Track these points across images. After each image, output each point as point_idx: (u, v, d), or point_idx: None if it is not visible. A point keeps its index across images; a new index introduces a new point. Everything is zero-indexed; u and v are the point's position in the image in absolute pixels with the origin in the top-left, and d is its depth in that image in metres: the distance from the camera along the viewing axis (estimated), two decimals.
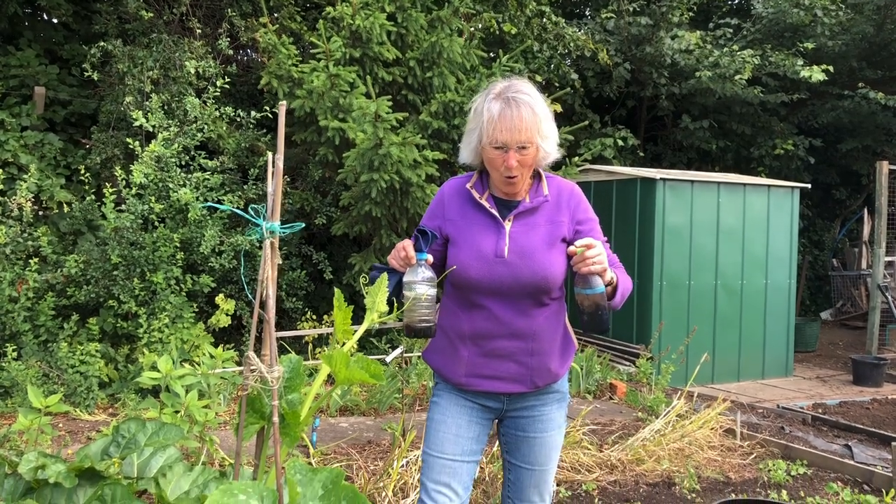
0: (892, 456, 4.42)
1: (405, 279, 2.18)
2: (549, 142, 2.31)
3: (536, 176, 2.41)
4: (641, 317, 7.50)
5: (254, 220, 1.29)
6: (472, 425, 2.41)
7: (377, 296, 1.48)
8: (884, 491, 4.29)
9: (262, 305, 1.33)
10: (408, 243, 2.18)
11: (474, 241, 2.32)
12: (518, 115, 2.22)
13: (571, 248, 2.15)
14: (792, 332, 8.17)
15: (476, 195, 2.37)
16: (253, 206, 1.29)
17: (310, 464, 4.51)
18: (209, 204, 1.30)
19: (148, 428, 3.14)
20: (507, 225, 2.33)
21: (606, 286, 2.20)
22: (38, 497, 2.59)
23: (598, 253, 2.12)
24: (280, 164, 1.28)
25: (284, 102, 1.38)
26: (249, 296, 1.33)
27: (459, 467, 2.38)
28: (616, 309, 2.31)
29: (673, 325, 7.34)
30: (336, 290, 1.43)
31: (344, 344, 1.36)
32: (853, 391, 7.27)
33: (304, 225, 1.44)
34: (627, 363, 7.34)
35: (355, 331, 1.45)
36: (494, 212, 2.34)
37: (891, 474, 4.40)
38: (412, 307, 2.15)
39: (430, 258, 2.21)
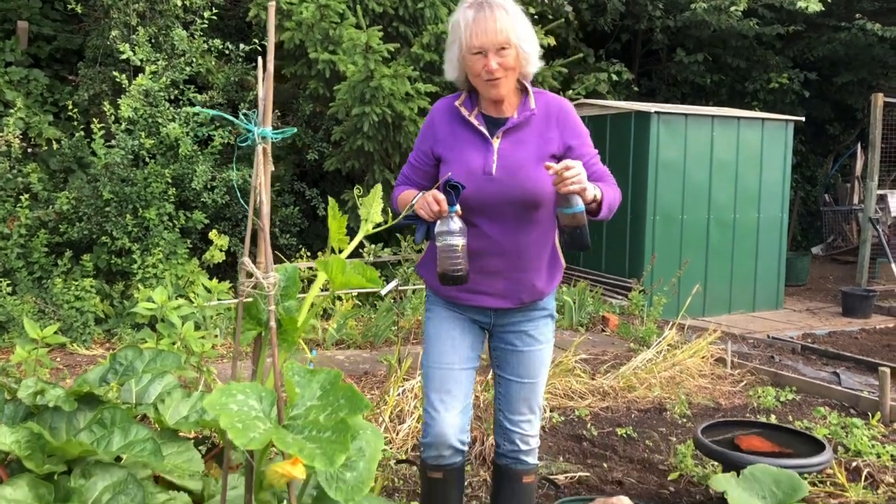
0: (878, 381, 4.50)
1: (437, 230, 2.26)
2: (527, 43, 2.31)
3: (524, 91, 2.41)
4: (634, 251, 7.53)
5: (245, 125, 1.28)
6: (465, 335, 2.50)
7: (371, 206, 1.47)
8: (870, 414, 4.38)
9: (256, 213, 1.32)
10: (442, 197, 2.22)
11: (463, 158, 2.35)
12: (492, 17, 2.24)
13: (549, 166, 2.17)
14: (783, 266, 8.22)
15: (465, 112, 2.38)
16: (244, 111, 1.27)
17: None
18: (204, 110, 1.27)
19: (145, 355, 3.17)
20: (496, 142, 2.35)
21: (591, 203, 2.24)
22: (38, 421, 2.62)
23: (576, 173, 2.13)
24: (270, 67, 1.26)
25: (273, 2, 1.35)
26: (243, 204, 1.32)
27: (459, 374, 2.48)
28: (606, 220, 2.36)
29: (665, 259, 7.38)
30: (330, 199, 1.42)
31: (340, 252, 1.36)
32: (842, 322, 7.36)
33: (296, 130, 1.43)
34: (620, 297, 7.40)
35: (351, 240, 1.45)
36: (483, 129, 2.36)
37: (877, 398, 4.49)
38: (447, 257, 2.25)
39: (460, 210, 2.26)
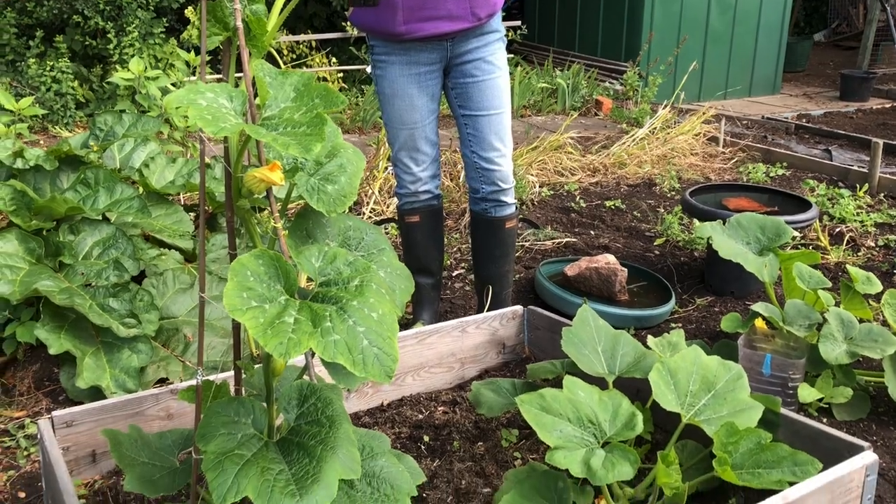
0: (869, 157, 4.49)
1: None
2: None
3: None
4: (631, 33, 7.24)
5: None
6: (422, 91, 2.43)
7: None
8: (857, 186, 4.40)
9: None
10: None
11: None
12: None
13: None
14: (783, 50, 7.97)
15: None
16: None
17: None
18: None
19: (125, 120, 3.09)
20: None
21: None
22: (20, 180, 2.59)
23: None
24: None
25: None
26: None
27: (423, 129, 2.47)
28: None
29: (663, 41, 7.11)
30: None
31: None
32: (839, 105, 7.25)
33: None
34: (614, 80, 7.22)
35: None
36: None
37: (866, 172, 4.49)
38: None
39: None
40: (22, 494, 1.83)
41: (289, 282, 1.15)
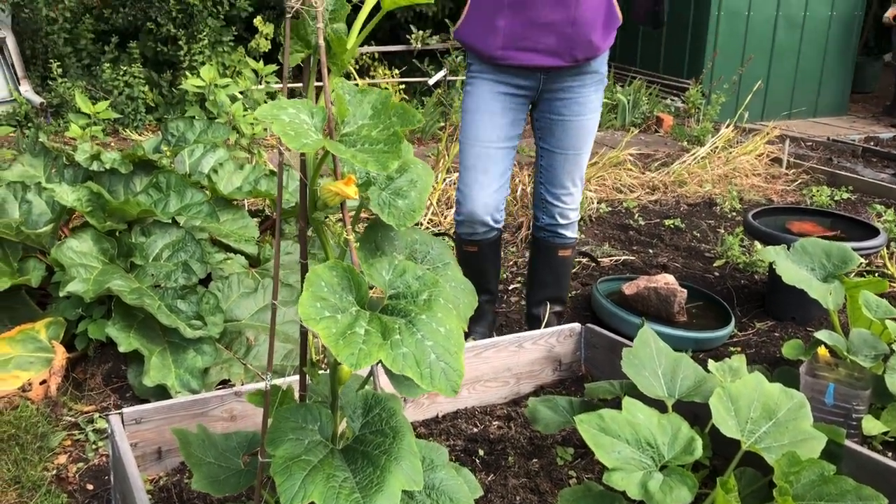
0: None
1: None
2: None
3: None
4: (695, 49, 7.16)
5: None
6: (506, 111, 2.39)
7: None
8: None
9: None
10: None
11: None
12: None
13: None
14: (851, 70, 7.79)
15: None
16: None
17: None
18: None
19: (196, 126, 3.19)
20: None
21: None
22: (97, 181, 2.70)
23: None
24: None
25: None
26: None
27: (497, 153, 2.40)
28: None
29: (727, 59, 7.02)
30: None
31: None
32: None
33: None
34: (676, 97, 7.15)
35: None
36: None
37: None
38: None
39: None
40: (90, 486, 1.90)
41: (360, 293, 1.19)
